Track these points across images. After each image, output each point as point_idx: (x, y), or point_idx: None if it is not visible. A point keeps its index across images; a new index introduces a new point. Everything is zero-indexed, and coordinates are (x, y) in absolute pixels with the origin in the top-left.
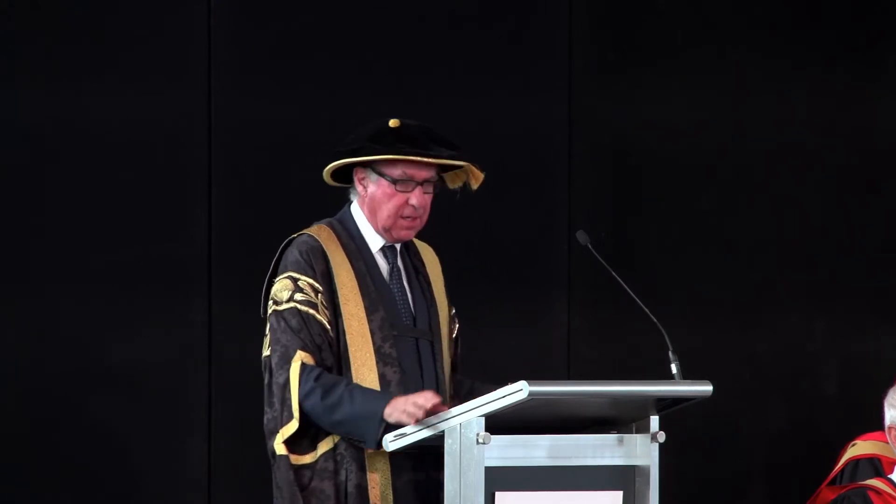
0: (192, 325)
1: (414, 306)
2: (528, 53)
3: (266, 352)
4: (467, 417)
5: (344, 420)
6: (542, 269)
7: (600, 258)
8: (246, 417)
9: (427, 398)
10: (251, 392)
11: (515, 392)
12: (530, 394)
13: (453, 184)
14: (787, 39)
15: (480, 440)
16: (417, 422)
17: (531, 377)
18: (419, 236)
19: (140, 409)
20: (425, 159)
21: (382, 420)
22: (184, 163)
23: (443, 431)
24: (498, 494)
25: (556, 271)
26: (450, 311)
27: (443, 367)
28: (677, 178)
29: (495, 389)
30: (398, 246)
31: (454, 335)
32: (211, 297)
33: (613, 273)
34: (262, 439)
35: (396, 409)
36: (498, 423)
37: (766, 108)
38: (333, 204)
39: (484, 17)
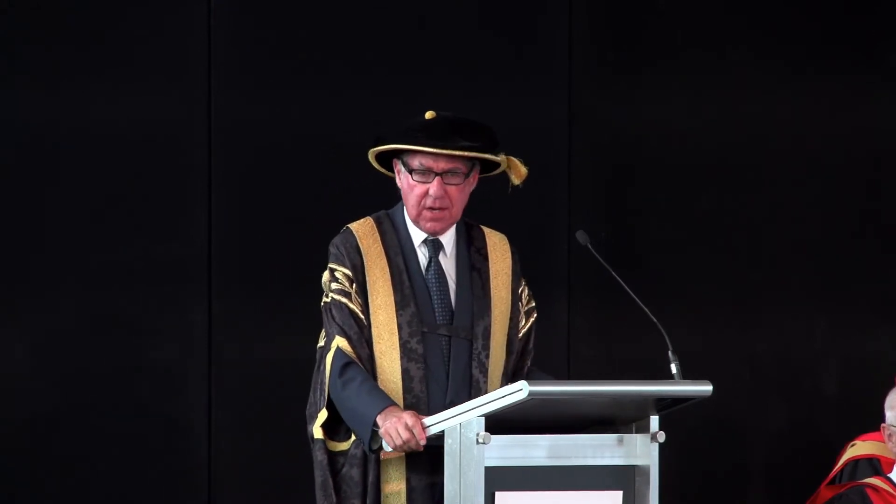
0: (192, 325)
1: (455, 303)
2: (528, 53)
3: (321, 342)
4: (467, 417)
5: (348, 417)
6: (542, 269)
7: (600, 258)
8: (246, 417)
9: (413, 422)
10: (251, 392)
11: (515, 392)
12: (530, 393)
13: (518, 180)
14: (787, 40)
15: (480, 440)
16: (397, 447)
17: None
18: (492, 226)
19: (140, 409)
20: (428, 149)
21: (375, 426)
22: (184, 163)
23: (443, 431)
24: (498, 494)
25: (556, 271)
26: (521, 305)
27: (482, 367)
28: (677, 178)
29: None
30: (444, 240)
31: (525, 329)
32: (211, 297)
33: (613, 273)
34: (263, 439)
35: (384, 423)
36: (498, 423)
37: (766, 108)
38: (333, 204)
39: (484, 17)
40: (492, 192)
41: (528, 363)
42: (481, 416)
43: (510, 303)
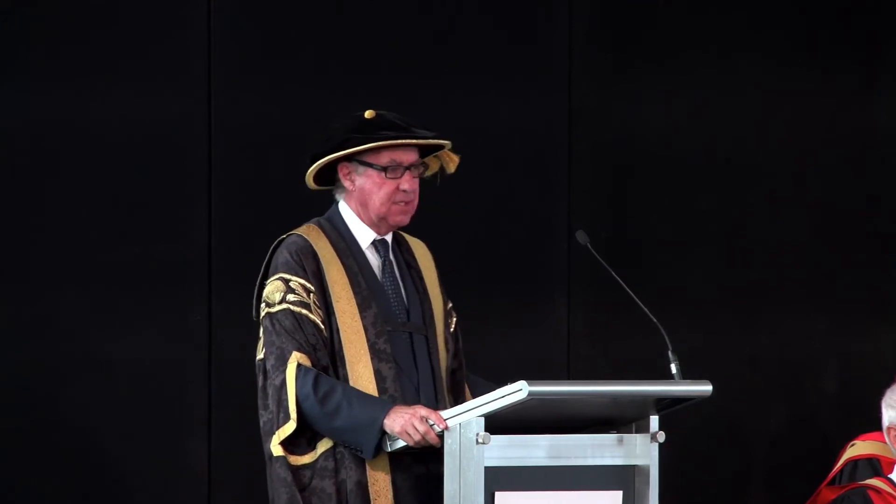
0: (192, 325)
1: (407, 300)
2: (528, 53)
3: (260, 355)
4: (467, 417)
5: (341, 428)
6: (542, 269)
7: (600, 258)
8: (246, 417)
9: (427, 413)
10: (251, 392)
11: (515, 392)
12: (530, 394)
13: (429, 171)
14: (787, 39)
15: (480, 440)
16: (417, 443)
17: (531, 377)
18: (413, 232)
19: (140, 408)
20: (411, 141)
21: (382, 430)
22: (184, 163)
23: (443, 431)
24: (498, 494)
25: (556, 271)
26: (446, 305)
27: (439, 362)
28: (677, 178)
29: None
30: (389, 240)
31: (452, 329)
32: (211, 297)
33: (613, 273)
34: (262, 439)
35: (397, 422)
36: (498, 423)
37: (766, 108)
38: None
39: (484, 16)
40: (492, 192)
41: (464, 365)
42: (481, 416)
43: (441, 301)
